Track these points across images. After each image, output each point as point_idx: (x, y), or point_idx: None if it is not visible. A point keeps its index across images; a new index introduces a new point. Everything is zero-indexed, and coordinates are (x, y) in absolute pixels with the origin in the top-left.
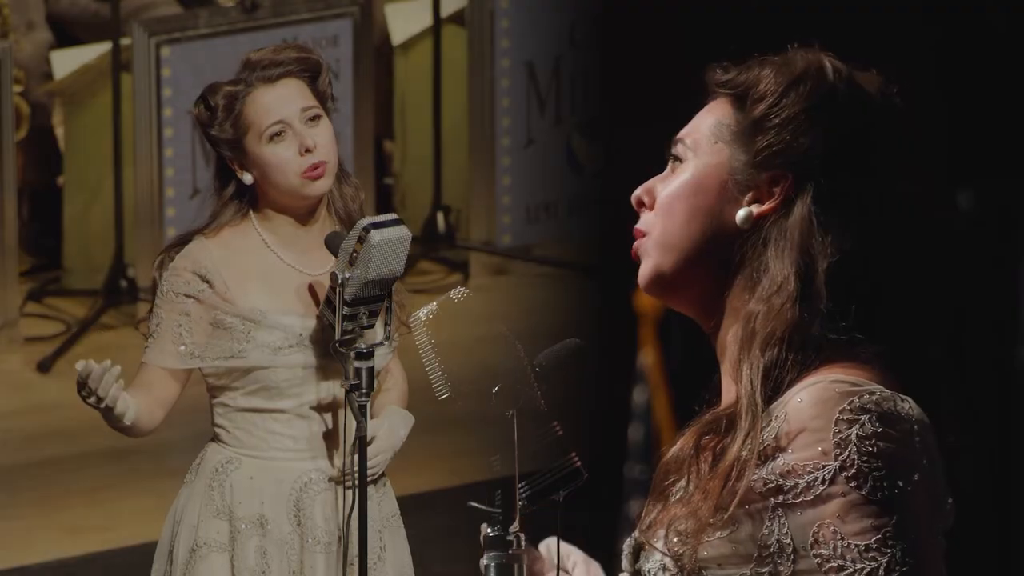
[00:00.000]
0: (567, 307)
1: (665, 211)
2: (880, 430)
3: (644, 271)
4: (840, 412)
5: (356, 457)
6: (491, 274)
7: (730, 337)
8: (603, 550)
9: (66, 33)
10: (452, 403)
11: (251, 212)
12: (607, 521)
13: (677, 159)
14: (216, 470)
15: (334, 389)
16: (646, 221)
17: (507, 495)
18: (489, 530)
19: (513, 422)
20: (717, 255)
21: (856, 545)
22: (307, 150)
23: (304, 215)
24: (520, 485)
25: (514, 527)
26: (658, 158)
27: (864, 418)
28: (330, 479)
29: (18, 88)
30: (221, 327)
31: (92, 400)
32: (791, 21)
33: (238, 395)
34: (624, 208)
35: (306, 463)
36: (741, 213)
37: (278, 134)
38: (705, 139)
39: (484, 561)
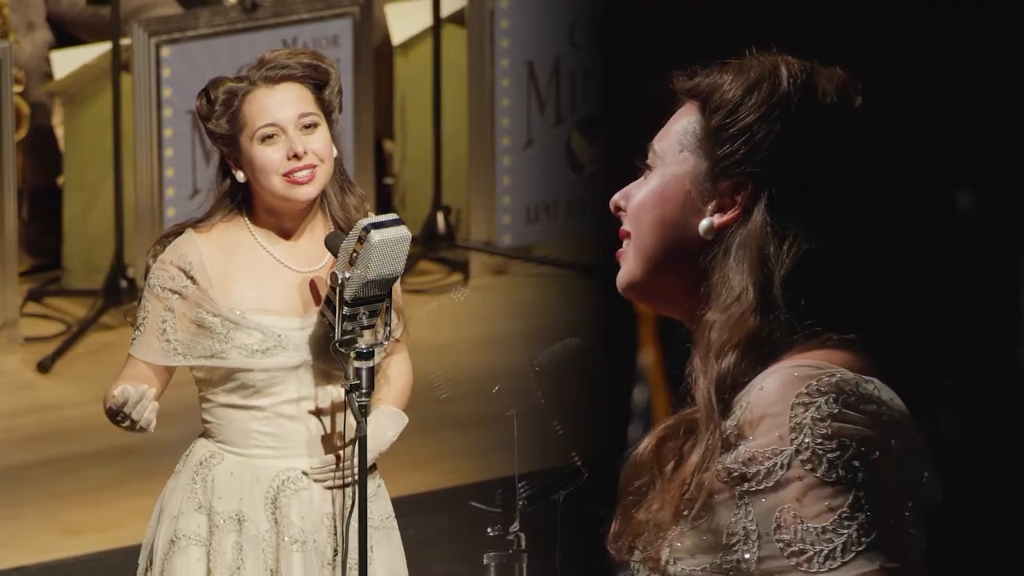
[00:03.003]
0: (567, 307)
1: (633, 221)
2: (836, 411)
3: (620, 277)
4: (797, 396)
5: (355, 457)
6: (491, 274)
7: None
8: (603, 550)
9: (66, 33)
10: (452, 403)
11: (244, 209)
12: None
13: (648, 167)
14: (200, 463)
15: (313, 389)
16: (627, 222)
17: (507, 495)
18: (489, 530)
19: (513, 422)
20: (685, 263)
21: (814, 528)
22: (294, 155)
23: (293, 217)
24: (520, 485)
25: (514, 527)
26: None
27: (820, 400)
28: (304, 474)
29: (18, 88)
30: (203, 326)
31: (126, 424)
32: (792, 21)
33: (219, 391)
34: None
35: (284, 461)
36: (703, 223)
37: (269, 136)
38: (671, 147)
39: (485, 560)
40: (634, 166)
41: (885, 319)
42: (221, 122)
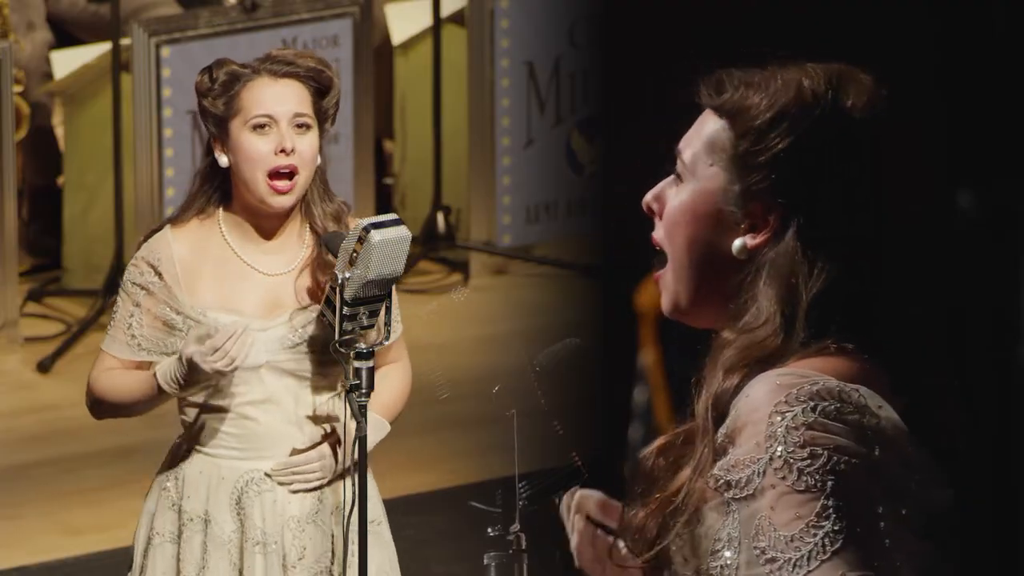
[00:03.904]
0: (567, 307)
1: (668, 238)
2: (812, 419)
3: (664, 303)
4: (776, 405)
5: (355, 456)
6: (491, 274)
7: None
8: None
9: (66, 33)
10: (452, 403)
11: (221, 204)
12: None
13: (678, 176)
14: (174, 461)
15: (278, 390)
16: (660, 231)
17: (507, 495)
18: (489, 530)
19: (513, 422)
20: (721, 280)
21: (784, 535)
22: (283, 150)
23: (269, 219)
24: (520, 485)
25: (514, 527)
26: (658, 158)
27: (798, 409)
28: (268, 476)
29: (18, 88)
30: (167, 322)
31: (224, 363)
32: (792, 20)
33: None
34: (624, 208)
35: (248, 463)
36: (737, 244)
37: (262, 126)
38: (702, 160)
39: (485, 560)
40: (634, 166)
41: (887, 321)
42: (218, 102)
